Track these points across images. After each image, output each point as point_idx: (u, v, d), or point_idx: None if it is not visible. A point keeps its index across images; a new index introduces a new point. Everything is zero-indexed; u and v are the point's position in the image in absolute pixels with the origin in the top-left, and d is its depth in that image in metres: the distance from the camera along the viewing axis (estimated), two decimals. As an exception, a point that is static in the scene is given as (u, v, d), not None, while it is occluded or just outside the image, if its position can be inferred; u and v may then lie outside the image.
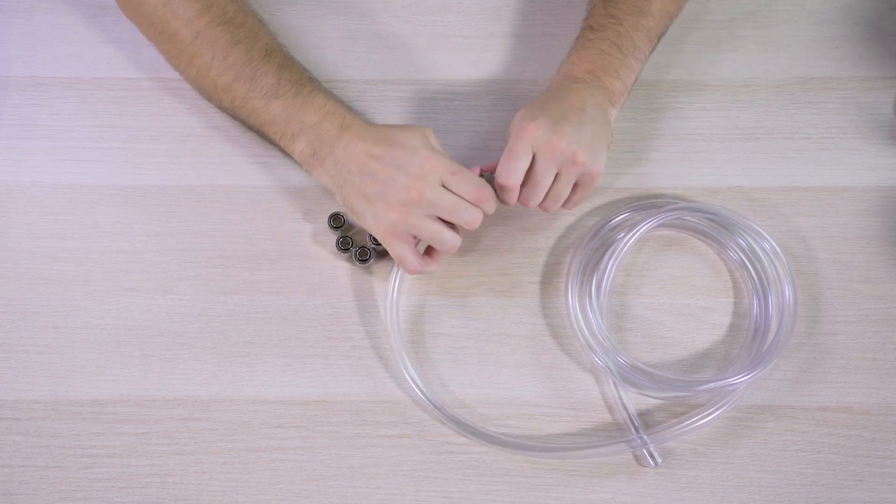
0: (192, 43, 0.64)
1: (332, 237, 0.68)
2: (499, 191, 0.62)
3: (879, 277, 0.67)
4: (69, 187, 0.70)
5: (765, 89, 0.73)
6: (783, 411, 0.64)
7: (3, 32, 0.75)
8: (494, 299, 0.67)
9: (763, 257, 0.66)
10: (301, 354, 0.65)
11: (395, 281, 0.64)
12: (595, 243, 0.67)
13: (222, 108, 0.67)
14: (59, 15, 0.76)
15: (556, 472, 0.62)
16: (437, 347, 0.66)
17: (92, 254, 0.68)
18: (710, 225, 0.68)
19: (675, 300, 0.67)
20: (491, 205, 0.61)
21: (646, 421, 0.63)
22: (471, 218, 0.60)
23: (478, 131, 0.72)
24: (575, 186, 0.63)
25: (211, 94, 0.66)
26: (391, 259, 0.64)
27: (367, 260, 0.66)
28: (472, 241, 0.68)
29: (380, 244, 0.64)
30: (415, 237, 0.61)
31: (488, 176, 0.63)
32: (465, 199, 0.60)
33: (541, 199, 0.62)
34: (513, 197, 0.62)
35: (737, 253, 0.67)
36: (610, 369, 0.63)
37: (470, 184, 0.60)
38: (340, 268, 0.67)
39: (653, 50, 0.68)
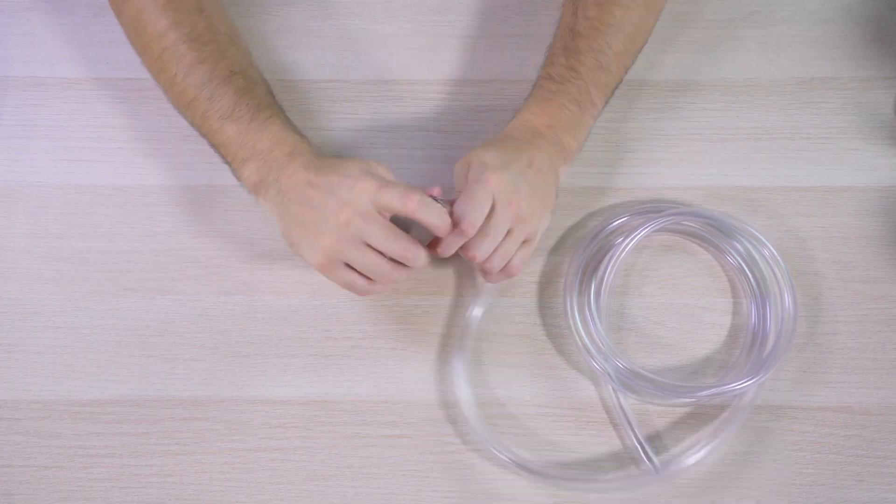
0: (160, 57, 0.63)
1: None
2: (453, 238, 0.58)
3: (879, 277, 0.67)
4: (69, 187, 0.70)
5: (765, 89, 0.73)
6: (783, 411, 0.64)
7: (3, 32, 0.75)
8: (494, 299, 0.67)
9: (761, 263, 0.66)
10: (301, 354, 0.65)
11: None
12: (594, 247, 0.67)
13: (189, 124, 0.65)
14: (59, 15, 0.76)
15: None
16: (436, 347, 0.66)
17: (92, 254, 0.68)
18: (709, 230, 0.68)
19: (673, 303, 0.67)
20: (430, 214, 0.57)
21: (643, 422, 0.63)
22: (400, 249, 0.57)
23: (477, 131, 0.72)
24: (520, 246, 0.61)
25: (177, 108, 0.65)
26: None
27: None
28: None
29: None
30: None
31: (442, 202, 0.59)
32: (395, 229, 0.57)
33: (488, 253, 0.59)
34: (455, 247, 0.59)
35: (735, 258, 0.67)
36: (609, 375, 0.62)
37: (395, 193, 0.56)
38: (340, 268, 0.67)
39: (606, 104, 0.66)
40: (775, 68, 0.74)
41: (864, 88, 0.73)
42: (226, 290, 0.67)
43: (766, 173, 0.71)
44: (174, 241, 0.69)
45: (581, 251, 0.67)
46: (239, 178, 0.63)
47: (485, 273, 0.62)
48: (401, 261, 0.58)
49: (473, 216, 0.57)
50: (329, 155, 0.63)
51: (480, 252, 0.59)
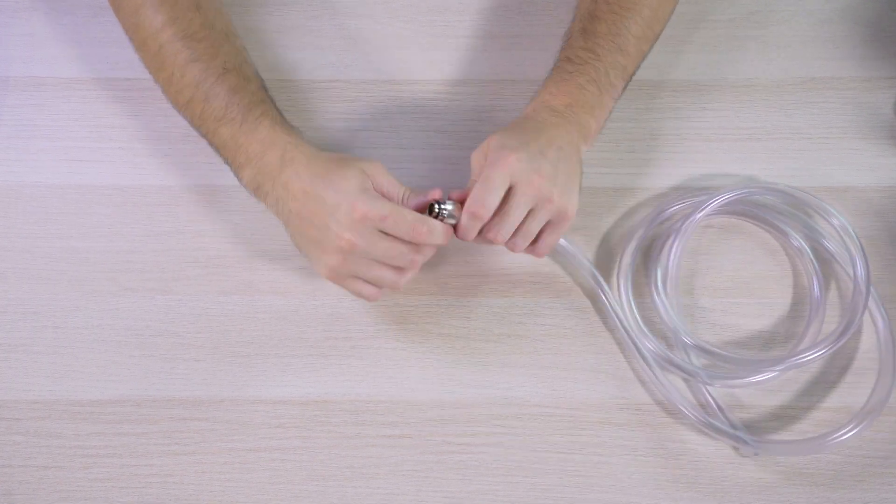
0: (157, 55, 0.63)
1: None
2: (466, 220, 0.58)
3: (879, 277, 0.67)
4: (69, 187, 0.70)
5: (765, 89, 0.73)
6: (782, 411, 0.64)
7: (3, 32, 0.75)
8: (494, 299, 0.67)
9: (825, 235, 0.67)
10: (301, 354, 0.65)
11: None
12: (649, 236, 0.67)
13: (188, 123, 0.65)
14: (59, 15, 0.76)
15: (555, 473, 0.62)
16: (436, 347, 0.66)
17: (92, 254, 0.68)
18: (765, 209, 0.68)
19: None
20: (436, 236, 0.58)
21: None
22: (407, 262, 0.58)
23: (478, 132, 0.72)
24: (546, 226, 0.61)
25: (176, 108, 0.65)
26: None
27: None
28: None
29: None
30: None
31: (434, 205, 0.59)
32: (399, 240, 0.58)
33: (509, 234, 0.59)
34: (474, 230, 0.58)
35: (797, 238, 0.67)
36: (694, 368, 0.63)
37: (403, 225, 0.57)
38: (340, 268, 0.67)
39: (625, 89, 0.66)
40: (775, 68, 0.74)
41: (864, 88, 0.73)
42: (226, 290, 0.67)
43: (766, 173, 0.71)
44: (174, 241, 0.69)
45: (635, 242, 0.67)
46: (240, 182, 0.63)
47: (512, 250, 0.61)
48: (407, 269, 0.59)
49: (487, 199, 0.57)
50: (322, 150, 0.62)
51: (499, 235, 0.59)
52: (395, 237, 0.58)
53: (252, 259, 0.68)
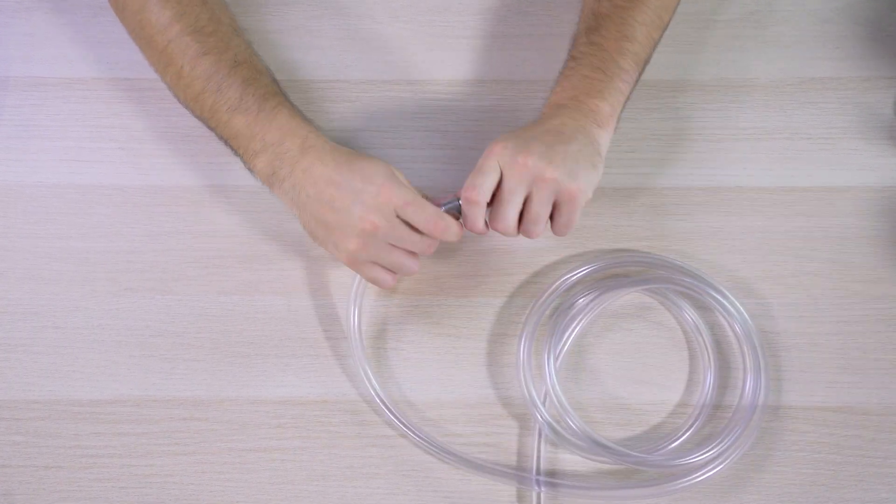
0: (165, 51, 0.63)
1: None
2: (465, 207, 0.59)
3: (879, 277, 0.67)
4: (69, 187, 0.70)
5: (765, 89, 0.73)
6: (783, 411, 0.64)
7: (2, 32, 0.75)
8: (494, 299, 0.67)
9: (730, 335, 0.66)
10: (301, 354, 0.65)
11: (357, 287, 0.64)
12: (553, 302, 0.66)
13: (196, 118, 0.66)
14: (59, 15, 0.76)
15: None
16: (436, 347, 0.66)
17: (92, 254, 0.68)
18: (678, 294, 0.67)
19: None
20: (451, 233, 0.59)
21: (639, 421, 0.64)
22: (425, 246, 0.60)
23: (478, 132, 0.72)
24: (557, 207, 0.60)
25: (184, 103, 0.65)
26: None
27: None
28: (472, 240, 0.68)
29: None
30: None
31: (455, 201, 0.61)
32: (419, 230, 0.59)
33: (511, 220, 0.59)
34: (476, 218, 0.59)
35: (695, 325, 0.65)
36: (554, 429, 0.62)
37: (423, 215, 0.58)
38: (340, 268, 0.67)
39: (641, 74, 0.66)
40: (775, 68, 0.74)
41: (864, 88, 0.73)
42: (226, 290, 0.67)
43: (766, 173, 0.71)
44: (174, 241, 0.69)
45: (539, 308, 0.66)
46: (251, 171, 0.63)
47: (529, 237, 0.61)
48: (425, 254, 0.61)
49: (477, 182, 0.58)
50: (339, 144, 0.63)
51: (502, 222, 0.59)
52: (411, 227, 0.59)
53: (252, 259, 0.68)
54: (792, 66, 0.74)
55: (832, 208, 0.69)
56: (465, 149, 0.71)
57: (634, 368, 0.65)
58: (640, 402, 0.64)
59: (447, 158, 0.71)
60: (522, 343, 0.64)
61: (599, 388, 0.64)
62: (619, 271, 0.67)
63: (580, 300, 0.66)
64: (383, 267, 0.61)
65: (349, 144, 0.71)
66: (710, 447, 0.61)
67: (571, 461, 0.63)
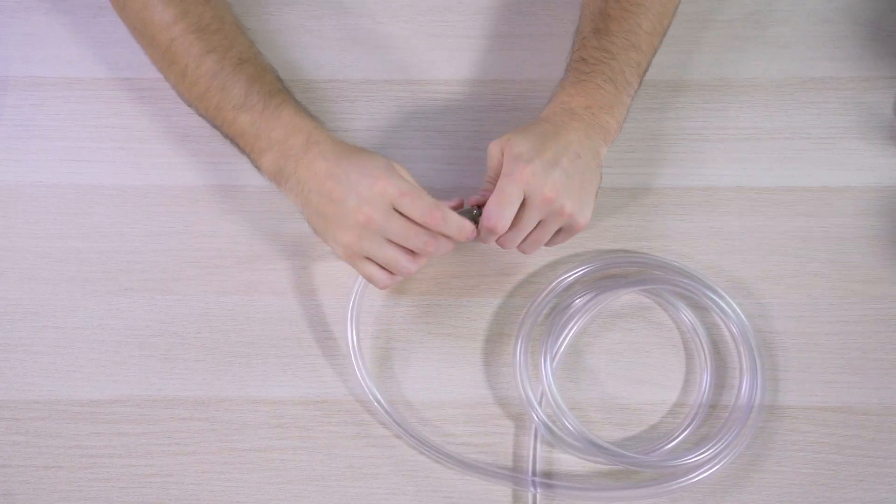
0: (168, 49, 0.63)
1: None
2: (483, 234, 0.60)
3: (879, 277, 0.67)
4: (69, 187, 0.70)
5: (765, 89, 0.73)
6: (783, 411, 0.64)
7: (2, 32, 0.75)
8: (494, 299, 0.67)
9: (727, 336, 0.66)
10: (301, 354, 0.65)
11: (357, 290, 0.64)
12: (550, 303, 0.66)
13: (201, 116, 0.66)
14: (59, 15, 0.76)
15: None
16: (436, 347, 0.66)
17: (92, 254, 0.68)
18: (676, 296, 0.67)
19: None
20: (449, 229, 0.58)
21: (634, 421, 0.64)
22: (421, 243, 0.58)
23: (478, 131, 0.72)
24: (557, 232, 0.62)
25: (188, 101, 0.65)
26: None
27: None
28: (471, 242, 0.68)
29: None
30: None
31: (470, 211, 0.61)
32: (415, 223, 0.58)
33: (518, 242, 0.61)
34: (490, 240, 0.61)
35: (693, 326, 0.65)
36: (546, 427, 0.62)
37: (418, 206, 0.57)
38: (340, 268, 0.67)
39: (640, 85, 0.66)
40: (775, 68, 0.74)
41: (864, 88, 0.73)
42: (226, 290, 0.67)
43: (766, 173, 0.71)
44: (174, 241, 0.69)
45: (536, 309, 0.66)
46: (258, 169, 0.63)
47: (522, 252, 0.63)
48: (421, 253, 0.59)
49: (503, 214, 0.58)
50: (344, 141, 0.63)
51: (509, 243, 0.61)
52: (410, 220, 0.58)
53: (252, 259, 0.68)
54: (792, 66, 0.74)
55: (832, 208, 0.69)
56: (466, 149, 0.71)
57: (631, 369, 0.65)
58: (637, 402, 0.64)
59: (447, 158, 0.71)
60: (519, 343, 0.64)
61: (596, 389, 0.64)
62: (615, 272, 0.68)
63: (577, 300, 0.66)
64: (379, 265, 0.60)
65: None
66: (706, 448, 0.61)
67: (568, 462, 0.63)
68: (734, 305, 0.65)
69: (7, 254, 0.68)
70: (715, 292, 0.65)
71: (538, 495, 0.60)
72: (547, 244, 0.63)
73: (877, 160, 0.71)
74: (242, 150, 0.64)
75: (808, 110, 0.73)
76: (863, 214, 0.69)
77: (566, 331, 0.65)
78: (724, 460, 0.61)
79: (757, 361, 0.63)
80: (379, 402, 0.62)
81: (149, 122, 0.72)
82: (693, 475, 0.60)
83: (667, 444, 0.62)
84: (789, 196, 0.70)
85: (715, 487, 0.62)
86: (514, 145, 0.59)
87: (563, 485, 0.61)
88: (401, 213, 0.58)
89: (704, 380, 0.64)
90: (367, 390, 0.62)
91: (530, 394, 0.62)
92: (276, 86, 0.64)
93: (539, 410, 0.62)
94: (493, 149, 0.61)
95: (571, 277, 0.66)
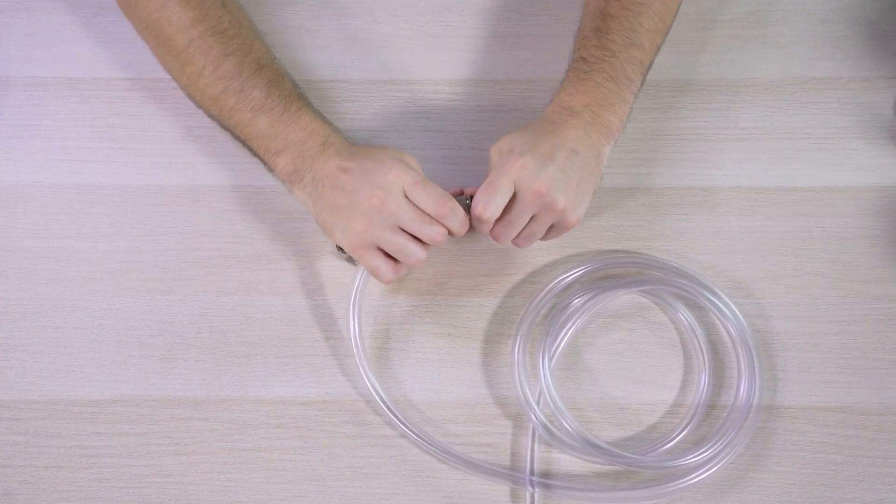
0: (185, 50, 0.64)
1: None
2: (474, 220, 0.60)
3: (879, 277, 0.67)
4: (69, 187, 0.70)
5: (765, 89, 0.73)
6: (783, 411, 0.64)
7: (2, 32, 0.75)
8: (494, 299, 0.67)
9: (725, 338, 0.66)
10: (301, 354, 0.65)
11: (358, 282, 0.63)
12: (548, 303, 0.66)
13: (210, 117, 0.66)
14: (59, 15, 0.76)
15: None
16: (436, 347, 0.66)
17: (92, 254, 0.68)
18: (675, 297, 0.67)
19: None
20: (455, 221, 0.59)
21: (632, 421, 0.64)
22: (432, 233, 0.59)
23: (478, 131, 0.72)
24: (549, 228, 0.62)
25: (200, 102, 0.66)
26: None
27: None
28: (471, 240, 0.68)
29: (345, 252, 0.63)
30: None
31: (462, 200, 0.61)
32: (426, 213, 0.59)
33: (512, 237, 0.61)
34: (481, 230, 0.61)
35: (692, 327, 0.65)
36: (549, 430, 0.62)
37: (430, 196, 0.58)
38: (340, 268, 0.67)
39: (643, 83, 0.66)
40: (775, 68, 0.74)
41: (864, 88, 0.73)
42: (226, 290, 0.67)
43: (766, 173, 0.71)
44: (174, 241, 0.69)
45: (534, 309, 0.66)
46: (272, 170, 0.64)
47: (516, 246, 0.64)
48: (430, 243, 0.60)
49: (491, 203, 0.58)
50: (359, 143, 0.63)
51: (502, 237, 0.61)
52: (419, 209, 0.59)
53: (252, 259, 0.68)
54: (792, 66, 0.74)
55: (832, 208, 0.69)
56: (465, 149, 0.71)
57: (630, 369, 0.65)
58: (635, 402, 0.64)
59: (447, 158, 0.71)
60: (517, 343, 0.64)
61: (594, 389, 0.64)
62: (614, 272, 0.68)
63: (576, 300, 0.66)
64: (387, 256, 0.61)
65: (349, 144, 0.71)
66: (704, 449, 0.61)
67: (566, 461, 0.63)
68: (732, 306, 0.65)
69: (7, 254, 0.68)
70: (713, 293, 0.65)
71: (536, 495, 0.60)
72: (542, 239, 0.63)
73: (877, 160, 0.71)
74: (254, 151, 0.65)
75: (808, 110, 0.73)
76: (863, 214, 0.69)
77: (565, 331, 0.65)
78: (723, 460, 0.61)
79: (755, 361, 0.63)
80: (379, 396, 0.62)
81: (149, 122, 0.72)
82: (691, 476, 0.60)
83: (665, 445, 0.62)
84: (789, 196, 0.70)
85: (716, 487, 0.62)
86: (510, 141, 0.60)
87: (561, 485, 0.61)
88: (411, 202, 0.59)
89: (703, 380, 0.64)
90: (368, 382, 0.62)
91: (528, 394, 0.62)
92: (294, 91, 0.65)
93: (537, 410, 0.62)
94: (493, 147, 0.62)
95: (570, 277, 0.66)
